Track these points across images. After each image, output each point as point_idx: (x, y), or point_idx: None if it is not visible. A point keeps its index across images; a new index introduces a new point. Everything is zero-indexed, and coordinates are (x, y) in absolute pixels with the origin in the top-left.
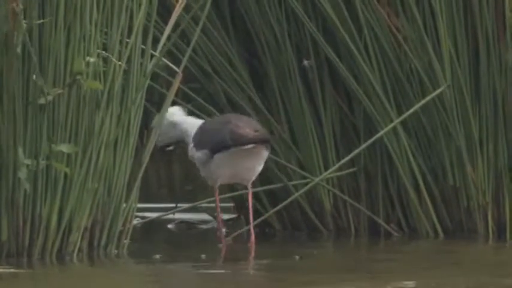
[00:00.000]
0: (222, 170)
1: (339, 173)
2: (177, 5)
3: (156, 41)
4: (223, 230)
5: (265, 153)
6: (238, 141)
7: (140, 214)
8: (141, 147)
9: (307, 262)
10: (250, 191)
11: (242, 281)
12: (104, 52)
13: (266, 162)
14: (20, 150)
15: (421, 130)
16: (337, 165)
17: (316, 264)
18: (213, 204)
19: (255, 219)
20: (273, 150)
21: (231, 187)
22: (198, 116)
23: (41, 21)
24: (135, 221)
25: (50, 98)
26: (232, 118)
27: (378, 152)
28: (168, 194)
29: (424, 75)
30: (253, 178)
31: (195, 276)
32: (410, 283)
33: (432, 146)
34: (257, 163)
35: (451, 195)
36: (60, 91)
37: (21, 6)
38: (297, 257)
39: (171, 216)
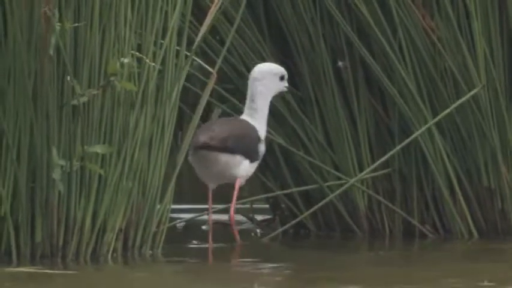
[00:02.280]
0: (197, 171)
1: (373, 174)
2: (213, 6)
3: (191, 42)
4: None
5: (226, 159)
6: (192, 145)
7: (175, 215)
8: (175, 148)
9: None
10: (235, 189)
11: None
12: (138, 53)
13: (300, 164)
14: (54, 151)
15: (456, 131)
16: (372, 167)
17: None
18: (247, 205)
19: (288, 219)
20: (307, 152)
21: (265, 188)
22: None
23: (76, 24)
24: (179, 224)
25: (84, 99)
26: (213, 122)
27: (413, 154)
28: (202, 195)
29: (458, 75)
30: (239, 180)
31: (227, 275)
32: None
33: (467, 148)
34: (224, 168)
35: (486, 196)
36: (94, 92)
37: (53, 10)
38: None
39: (205, 217)
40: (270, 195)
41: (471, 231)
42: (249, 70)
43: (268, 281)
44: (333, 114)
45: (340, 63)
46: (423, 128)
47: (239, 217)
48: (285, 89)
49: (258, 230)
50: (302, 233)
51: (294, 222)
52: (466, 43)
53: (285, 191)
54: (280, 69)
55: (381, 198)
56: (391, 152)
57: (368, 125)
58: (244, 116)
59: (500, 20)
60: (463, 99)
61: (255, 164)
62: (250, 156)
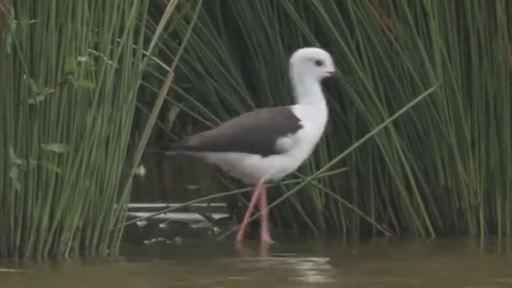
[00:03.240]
0: None
1: (330, 173)
2: (169, 5)
3: (147, 40)
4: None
5: (212, 157)
6: None
7: (132, 214)
8: (132, 147)
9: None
10: (256, 191)
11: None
12: (95, 51)
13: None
14: (11, 150)
15: (413, 130)
16: (328, 165)
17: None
18: (204, 204)
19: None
20: None
21: (222, 187)
22: (189, 116)
23: (32, 21)
24: (139, 222)
25: (41, 97)
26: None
27: (370, 152)
28: (160, 194)
29: (415, 74)
30: (254, 177)
31: (185, 274)
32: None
33: (424, 146)
34: (224, 166)
35: (443, 195)
36: (51, 91)
37: (8, 7)
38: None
39: (163, 216)
40: (227, 193)
41: (428, 229)
42: (206, 69)
43: (223, 278)
44: None
45: None
46: (380, 126)
47: (196, 216)
48: (327, 74)
49: (215, 229)
50: (259, 231)
51: (251, 219)
52: (423, 42)
53: (242, 190)
54: (315, 54)
55: (337, 197)
56: (348, 150)
57: (326, 124)
58: (299, 104)
59: (457, 19)
60: (420, 97)
61: (279, 159)
62: (258, 150)
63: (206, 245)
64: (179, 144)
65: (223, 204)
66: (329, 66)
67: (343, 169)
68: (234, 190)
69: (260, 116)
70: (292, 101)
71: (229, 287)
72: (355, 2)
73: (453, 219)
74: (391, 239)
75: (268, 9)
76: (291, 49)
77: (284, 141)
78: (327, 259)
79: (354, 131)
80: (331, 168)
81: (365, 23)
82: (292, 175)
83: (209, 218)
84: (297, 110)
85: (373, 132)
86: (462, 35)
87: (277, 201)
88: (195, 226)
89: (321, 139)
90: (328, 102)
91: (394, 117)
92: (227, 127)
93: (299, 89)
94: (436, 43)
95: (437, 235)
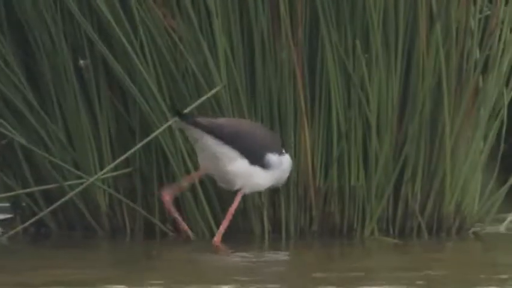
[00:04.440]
0: None
1: (114, 173)
2: None
3: None
4: None
5: (209, 143)
6: None
7: None
8: None
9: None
10: (235, 202)
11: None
12: None
13: (41, 162)
14: None
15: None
16: (112, 165)
17: None
18: None
19: (29, 218)
20: (48, 150)
21: (6, 187)
22: None
23: None
24: None
25: None
26: None
27: (154, 152)
28: None
29: (199, 75)
30: (232, 183)
31: None
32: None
33: None
34: (210, 161)
35: (227, 195)
36: None
37: None
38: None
39: None
40: (10, 194)
41: (212, 230)
42: None
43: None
44: (73, 113)
45: (81, 62)
46: (164, 127)
47: None
48: None
49: None
50: (43, 232)
51: (33, 220)
52: (207, 42)
53: (26, 190)
54: None
55: (121, 197)
56: (131, 151)
57: (109, 124)
58: None
59: (240, 19)
60: (203, 98)
61: (260, 172)
62: (249, 156)
63: None
64: (190, 118)
65: (7, 205)
66: None
67: (127, 169)
68: (18, 191)
69: (258, 125)
70: (76, 100)
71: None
72: (138, 2)
73: (237, 219)
74: (175, 239)
75: (51, 8)
76: (74, 48)
77: (272, 158)
78: None
79: (138, 131)
80: (115, 169)
81: (149, 23)
82: (76, 175)
83: None
84: None
85: (156, 133)
86: (246, 34)
87: (61, 202)
88: None
89: (105, 140)
90: (111, 103)
91: (176, 118)
92: (237, 122)
93: None
94: (219, 43)
95: (223, 235)
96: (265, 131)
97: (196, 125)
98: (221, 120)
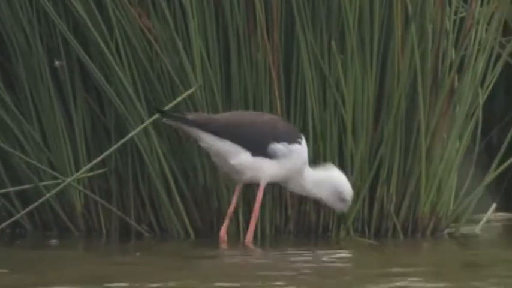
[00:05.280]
0: None
1: (89, 174)
2: None
3: None
4: None
5: (206, 140)
6: None
7: None
8: None
9: None
10: (259, 194)
11: None
12: None
13: (17, 163)
14: None
15: (173, 131)
16: (88, 166)
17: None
18: None
19: (5, 219)
20: (24, 151)
21: None
22: None
23: None
24: None
25: None
26: None
27: (129, 153)
28: None
29: (175, 75)
30: (242, 176)
31: None
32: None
33: (183, 148)
34: (213, 155)
35: (202, 196)
36: None
37: None
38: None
39: None
40: None
41: (188, 230)
42: None
43: None
44: (49, 114)
45: (56, 63)
46: (139, 128)
47: None
48: None
49: None
50: (18, 233)
51: (9, 221)
52: (182, 43)
53: (2, 191)
54: None
55: (97, 198)
56: (107, 152)
57: (85, 125)
58: None
59: (216, 19)
60: (179, 98)
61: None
62: (250, 147)
63: None
64: (180, 115)
65: None
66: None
67: (102, 170)
68: None
69: (264, 116)
70: (51, 101)
71: None
72: (114, 2)
73: (212, 220)
74: (150, 239)
75: (27, 9)
76: (50, 49)
77: (278, 147)
78: None
79: (113, 132)
80: (91, 170)
81: (124, 23)
82: (51, 176)
83: None
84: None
85: (132, 134)
86: (221, 35)
87: (37, 203)
88: None
89: (81, 141)
90: (87, 103)
91: (153, 118)
92: (231, 115)
93: None
94: (195, 43)
95: (197, 236)
96: (271, 120)
97: (187, 122)
98: (215, 115)
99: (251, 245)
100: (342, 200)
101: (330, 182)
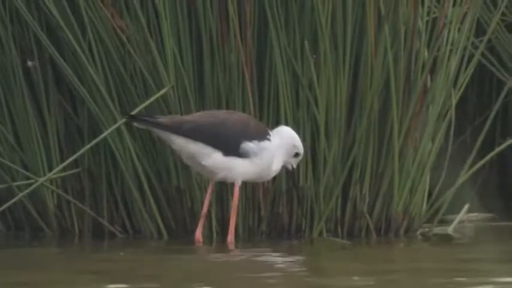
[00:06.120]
0: None
1: (62, 174)
2: None
3: None
4: None
5: (178, 142)
6: None
7: None
8: None
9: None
10: (235, 194)
11: None
12: None
13: None
14: None
15: (146, 132)
16: (61, 166)
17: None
18: None
19: None
20: None
21: None
22: None
23: None
24: None
25: None
26: None
27: (102, 153)
28: None
29: (148, 75)
30: (215, 175)
31: None
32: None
33: (156, 148)
34: (185, 156)
35: (175, 196)
36: None
37: None
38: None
39: None
40: None
41: (160, 230)
42: None
43: None
44: (22, 114)
45: (29, 63)
46: (112, 128)
47: None
48: None
49: None
50: None
51: None
52: (155, 43)
53: None
54: None
55: (70, 198)
56: (80, 152)
57: (58, 125)
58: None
59: (189, 19)
60: (152, 99)
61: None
62: (221, 147)
63: None
64: (150, 119)
65: None
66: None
67: (75, 170)
68: None
69: (234, 115)
70: (24, 101)
71: None
72: (87, 2)
73: (185, 220)
74: (123, 240)
75: None
76: (22, 50)
77: (249, 146)
78: None
79: (86, 132)
80: (64, 170)
81: (97, 23)
82: (24, 176)
83: None
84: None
85: (105, 134)
86: (194, 35)
87: (9, 203)
88: None
89: (53, 141)
90: (60, 103)
91: (126, 119)
92: (200, 116)
93: None
94: (168, 43)
95: (170, 236)
96: (241, 119)
97: (157, 126)
98: (185, 117)
99: (233, 245)
100: (296, 155)
101: (286, 142)
